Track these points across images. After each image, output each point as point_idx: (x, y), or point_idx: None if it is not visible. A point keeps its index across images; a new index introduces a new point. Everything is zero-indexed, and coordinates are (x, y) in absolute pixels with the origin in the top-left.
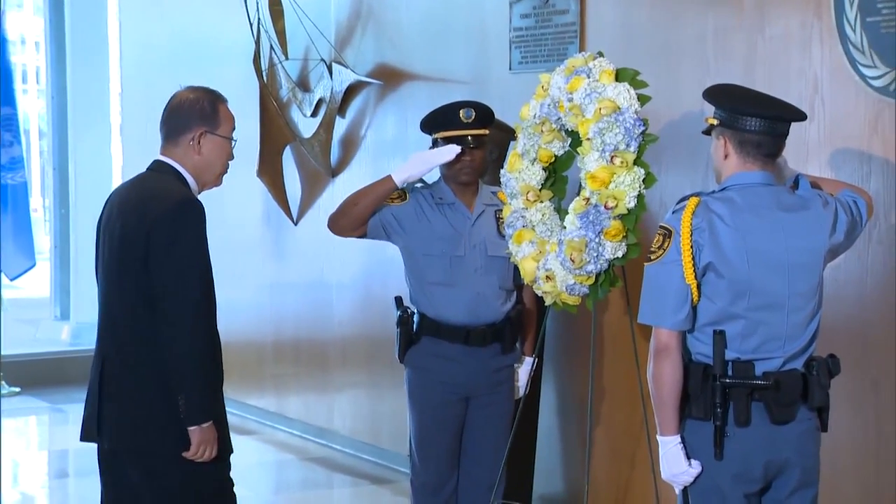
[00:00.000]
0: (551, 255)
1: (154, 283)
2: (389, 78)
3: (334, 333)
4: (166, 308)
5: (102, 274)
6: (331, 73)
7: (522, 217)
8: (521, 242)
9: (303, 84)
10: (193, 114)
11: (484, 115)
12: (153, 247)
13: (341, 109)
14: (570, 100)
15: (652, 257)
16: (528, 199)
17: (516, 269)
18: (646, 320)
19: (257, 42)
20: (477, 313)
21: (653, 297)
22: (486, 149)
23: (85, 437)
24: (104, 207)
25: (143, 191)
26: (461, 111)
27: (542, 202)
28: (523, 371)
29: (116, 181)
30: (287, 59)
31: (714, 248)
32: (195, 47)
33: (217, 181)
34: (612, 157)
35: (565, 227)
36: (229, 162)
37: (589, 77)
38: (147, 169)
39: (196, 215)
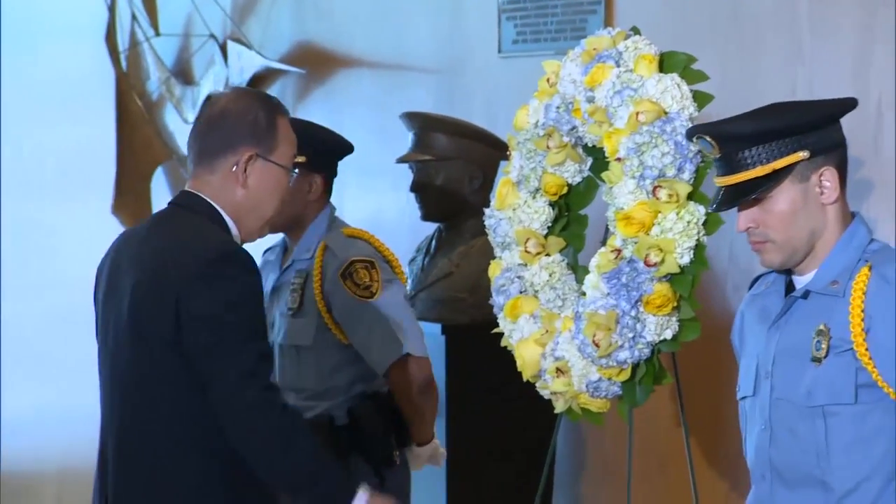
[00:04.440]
0: (564, 335)
1: (200, 369)
2: (316, 64)
3: None
4: (227, 405)
5: (109, 363)
6: (225, 56)
7: (519, 278)
8: (518, 317)
9: (183, 73)
10: (242, 129)
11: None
12: (187, 319)
13: None
14: (591, 99)
15: None
16: (527, 251)
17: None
18: None
19: (112, 9)
20: None
21: None
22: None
23: None
24: (103, 264)
25: (165, 239)
26: None
27: (548, 255)
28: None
29: None
30: (158, 34)
31: None
32: (13, 18)
33: (263, 230)
34: (655, 188)
35: (585, 294)
36: (279, 202)
37: (619, 66)
38: (170, 203)
39: (244, 272)
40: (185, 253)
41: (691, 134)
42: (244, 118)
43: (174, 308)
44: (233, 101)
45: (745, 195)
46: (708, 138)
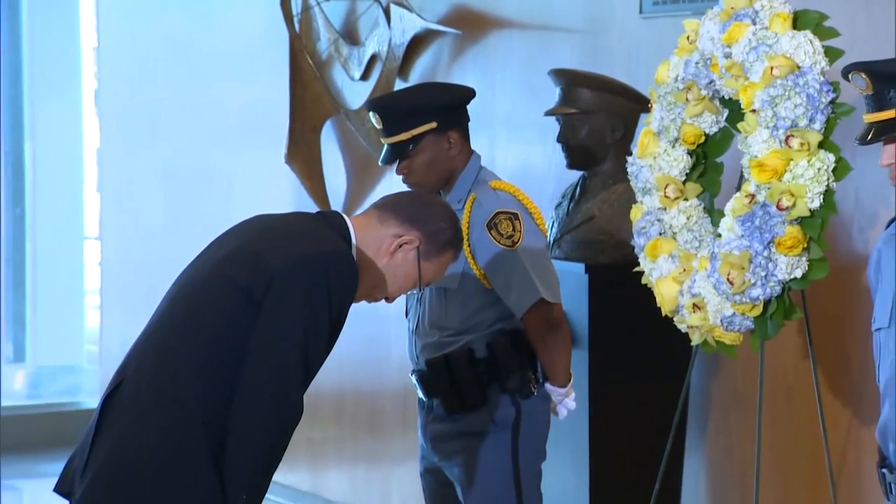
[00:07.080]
0: (700, 274)
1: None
2: (471, 25)
3: (392, 382)
4: (243, 412)
5: (169, 296)
6: (388, 18)
7: (659, 221)
8: (658, 257)
9: (350, 35)
10: (428, 224)
11: (393, 115)
12: (271, 300)
13: (403, 70)
14: (728, 55)
15: None
16: (666, 196)
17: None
18: None
19: None
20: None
21: None
22: (421, 156)
23: (60, 486)
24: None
25: (288, 223)
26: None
27: (686, 200)
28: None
29: (90, 168)
30: None
31: None
32: None
33: (359, 299)
34: (787, 138)
35: (720, 236)
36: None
37: (755, 23)
38: (318, 212)
39: (345, 283)
40: (299, 242)
41: (847, 71)
42: (436, 220)
43: (269, 273)
44: (444, 207)
45: (891, 131)
46: (863, 75)
